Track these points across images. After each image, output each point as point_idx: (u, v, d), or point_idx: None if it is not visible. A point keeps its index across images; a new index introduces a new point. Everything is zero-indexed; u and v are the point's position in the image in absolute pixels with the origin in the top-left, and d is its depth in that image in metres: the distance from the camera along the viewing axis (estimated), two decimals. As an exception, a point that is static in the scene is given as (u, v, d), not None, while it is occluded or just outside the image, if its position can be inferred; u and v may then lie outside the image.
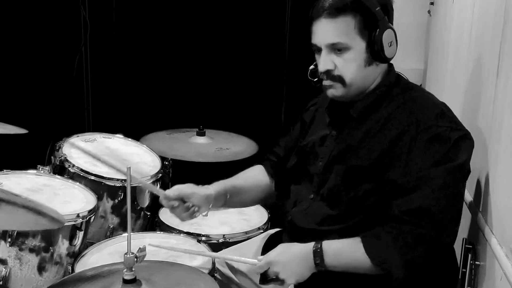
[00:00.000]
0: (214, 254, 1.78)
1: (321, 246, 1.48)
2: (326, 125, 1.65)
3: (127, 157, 2.31)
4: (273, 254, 1.54)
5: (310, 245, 1.50)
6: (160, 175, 2.27)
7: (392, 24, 1.52)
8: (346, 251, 1.47)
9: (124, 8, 3.22)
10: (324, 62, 1.50)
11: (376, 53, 1.48)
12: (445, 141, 1.42)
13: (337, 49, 1.49)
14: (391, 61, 1.57)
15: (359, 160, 1.51)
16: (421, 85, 2.91)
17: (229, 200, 1.72)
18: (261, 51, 3.24)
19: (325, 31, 1.49)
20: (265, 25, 3.23)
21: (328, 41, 1.49)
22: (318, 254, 1.48)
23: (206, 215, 1.67)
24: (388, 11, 1.50)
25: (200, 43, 3.24)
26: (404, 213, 1.42)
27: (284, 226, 1.75)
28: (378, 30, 1.46)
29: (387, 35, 1.47)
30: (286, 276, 1.51)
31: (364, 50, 1.48)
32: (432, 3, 2.82)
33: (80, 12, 3.21)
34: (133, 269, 1.27)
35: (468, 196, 1.64)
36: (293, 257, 1.51)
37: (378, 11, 1.46)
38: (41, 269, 1.72)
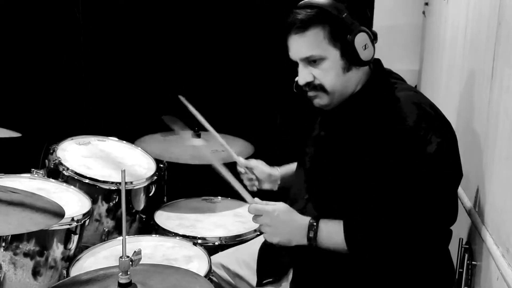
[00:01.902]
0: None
1: (317, 223, 1.50)
2: (319, 124, 1.65)
3: (122, 160, 2.30)
4: (272, 207, 1.54)
5: (308, 218, 1.51)
6: (156, 177, 2.26)
7: (368, 25, 1.52)
8: (340, 233, 1.47)
9: (119, 11, 3.21)
10: (303, 75, 1.53)
11: (351, 58, 1.48)
12: (427, 145, 1.40)
13: (312, 61, 1.50)
14: (383, 61, 1.58)
15: (342, 163, 1.52)
16: (416, 86, 2.91)
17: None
18: (257, 53, 3.23)
19: (297, 46, 1.52)
20: (260, 27, 3.23)
21: (301, 55, 1.51)
22: (312, 228, 1.49)
23: (275, 189, 1.91)
24: (358, 14, 1.49)
25: (195, 45, 3.23)
26: (385, 215, 1.42)
27: None
28: (348, 36, 1.46)
29: (359, 39, 1.47)
30: (271, 233, 1.52)
31: (339, 57, 1.49)
32: (426, 4, 2.82)
33: (75, 15, 3.19)
34: (128, 272, 1.26)
35: (465, 196, 1.64)
36: (289, 221, 1.52)
37: (346, 17, 1.46)
38: (36, 273, 1.71)
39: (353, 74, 1.52)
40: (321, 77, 1.50)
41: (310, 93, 1.54)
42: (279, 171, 1.90)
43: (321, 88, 1.51)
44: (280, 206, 1.55)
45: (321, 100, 1.54)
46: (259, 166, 1.91)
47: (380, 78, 1.56)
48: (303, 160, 1.69)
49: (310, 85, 1.52)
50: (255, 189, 1.92)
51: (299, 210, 1.60)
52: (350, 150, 1.50)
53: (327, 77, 1.50)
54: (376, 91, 1.53)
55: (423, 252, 1.46)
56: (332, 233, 1.48)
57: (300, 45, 1.50)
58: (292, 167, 1.87)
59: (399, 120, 1.44)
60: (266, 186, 1.91)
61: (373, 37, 1.51)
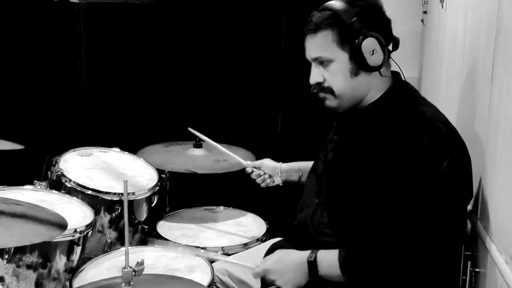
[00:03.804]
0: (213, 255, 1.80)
1: (315, 257, 1.50)
2: (334, 128, 1.68)
3: (124, 170, 2.30)
4: (269, 261, 1.57)
5: (306, 254, 1.51)
6: (158, 188, 2.26)
7: (384, 30, 1.53)
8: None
9: (119, 23, 3.24)
10: (313, 75, 1.57)
11: (359, 63, 1.51)
12: (438, 163, 1.41)
13: (321, 62, 1.54)
14: (398, 71, 1.59)
15: (351, 169, 1.52)
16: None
17: (303, 177, 1.92)
18: (257, 62, 3.25)
19: (309, 47, 1.57)
20: (261, 36, 3.24)
21: (312, 56, 1.56)
22: (312, 264, 1.50)
23: (279, 184, 2.01)
24: (368, 19, 1.51)
25: (196, 54, 3.25)
26: (391, 238, 1.42)
27: (287, 233, 1.74)
28: (356, 40, 1.49)
29: (366, 45, 1.48)
30: (282, 284, 1.54)
31: (347, 61, 1.52)
32: (425, 12, 2.84)
33: (75, 27, 3.22)
34: (131, 283, 1.26)
35: (467, 203, 1.64)
36: (289, 266, 1.53)
37: (354, 22, 1.49)
38: (39, 285, 1.71)
39: (362, 79, 1.53)
40: (329, 79, 1.54)
41: (321, 95, 1.58)
42: (280, 164, 2.00)
43: (329, 90, 1.55)
44: (274, 257, 1.58)
45: (330, 102, 1.57)
46: (264, 162, 2.02)
47: (403, 90, 1.57)
48: (315, 165, 1.71)
49: (320, 86, 1.56)
50: (264, 185, 2.02)
51: (309, 215, 1.60)
52: (361, 157, 1.51)
53: (335, 79, 1.53)
54: (397, 103, 1.54)
55: (430, 270, 1.46)
56: (332, 264, 1.48)
57: (311, 46, 1.56)
58: (297, 164, 1.99)
59: (412, 136, 1.44)
60: (277, 179, 2.00)
61: (393, 44, 1.55)
